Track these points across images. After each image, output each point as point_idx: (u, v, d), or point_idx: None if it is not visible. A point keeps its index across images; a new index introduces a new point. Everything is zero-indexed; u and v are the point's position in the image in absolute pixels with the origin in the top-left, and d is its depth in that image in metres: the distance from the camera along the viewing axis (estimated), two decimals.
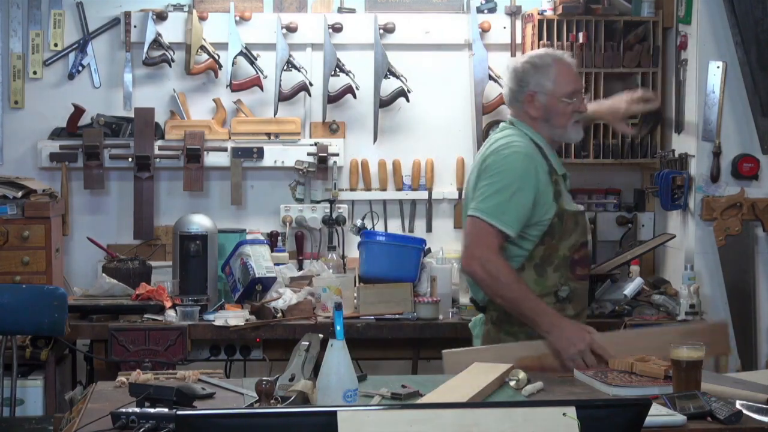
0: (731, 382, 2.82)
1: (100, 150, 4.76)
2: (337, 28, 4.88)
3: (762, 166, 4.48)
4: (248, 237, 4.53)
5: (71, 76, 4.87)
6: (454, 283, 4.41)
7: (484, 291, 3.19)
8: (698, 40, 4.48)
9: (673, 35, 4.70)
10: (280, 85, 4.82)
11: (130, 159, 4.80)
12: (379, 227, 4.85)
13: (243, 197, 4.90)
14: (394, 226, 4.95)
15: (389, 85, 4.87)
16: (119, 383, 2.81)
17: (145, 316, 4.19)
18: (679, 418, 2.43)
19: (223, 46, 4.81)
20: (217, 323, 4.14)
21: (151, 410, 2.33)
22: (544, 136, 3.28)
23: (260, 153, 4.85)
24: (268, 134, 4.88)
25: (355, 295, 4.32)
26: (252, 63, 4.83)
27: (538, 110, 3.26)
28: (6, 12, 4.81)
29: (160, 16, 4.83)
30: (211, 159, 4.85)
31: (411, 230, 4.95)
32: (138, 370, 2.91)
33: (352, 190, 4.94)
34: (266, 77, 4.84)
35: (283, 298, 4.25)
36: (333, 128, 4.93)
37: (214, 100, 4.89)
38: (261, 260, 4.33)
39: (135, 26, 4.83)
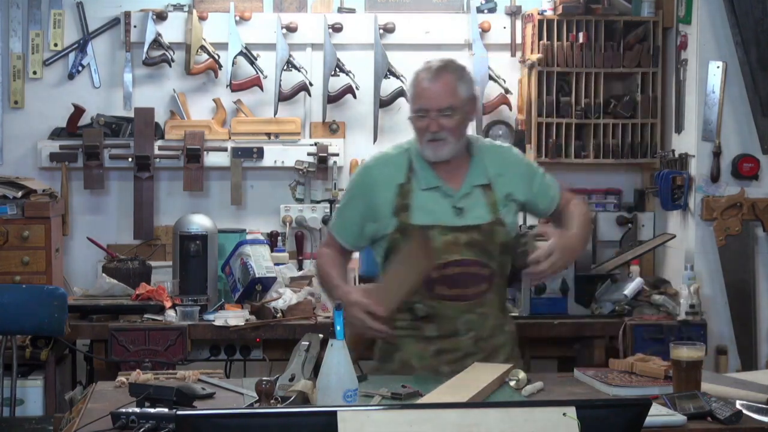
0: (731, 382, 2.82)
1: (100, 150, 4.76)
2: (337, 28, 4.88)
3: (762, 166, 4.48)
4: (248, 237, 4.52)
5: (71, 76, 4.86)
6: None
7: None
8: (698, 40, 4.48)
9: (673, 35, 4.70)
10: (280, 85, 4.82)
11: (130, 159, 4.80)
12: None
13: (243, 197, 4.90)
14: None
15: (389, 85, 4.87)
16: (119, 383, 2.81)
17: (145, 316, 4.19)
18: (679, 418, 2.43)
19: (223, 46, 4.81)
20: (217, 323, 4.14)
21: (151, 410, 2.33)
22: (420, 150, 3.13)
23: (260, 153, 4.85)
24: (268, 134, 4.88)
25: None
26: (252, 63, 4.83)
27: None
28: (6, 12, 4.81)
29: (160, 16, 4.82)
30: (211, 159, 4.85)
31: None
32: (138, 370, 2.91)
33: None
34: (266, 77, 4.83)
35: (283, 298, 4.25)
36: (333, 128, 4.93)
37: (214, 100, 4.88)
38: (261, 260, 4.33)
39: (135, 26, 4.83)
